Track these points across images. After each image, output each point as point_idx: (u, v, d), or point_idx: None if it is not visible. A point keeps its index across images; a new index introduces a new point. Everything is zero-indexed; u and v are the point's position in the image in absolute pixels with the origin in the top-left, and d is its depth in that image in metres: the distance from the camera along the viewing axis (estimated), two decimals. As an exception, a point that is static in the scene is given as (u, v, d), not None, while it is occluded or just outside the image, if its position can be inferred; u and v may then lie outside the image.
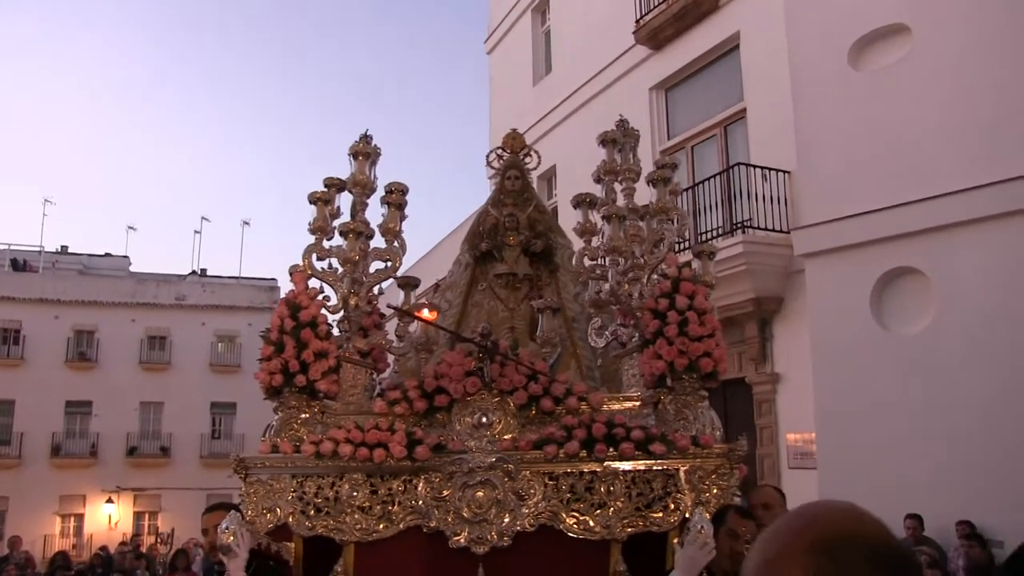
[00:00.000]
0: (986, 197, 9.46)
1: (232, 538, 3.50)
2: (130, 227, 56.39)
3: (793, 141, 11.59)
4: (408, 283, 4.43)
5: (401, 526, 3.77)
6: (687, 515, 3.56)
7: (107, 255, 42.72)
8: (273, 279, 36.91)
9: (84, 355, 34.05)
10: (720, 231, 12.40)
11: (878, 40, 10.89)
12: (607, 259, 4.30)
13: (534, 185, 16.33)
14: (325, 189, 4.34)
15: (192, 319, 35.17)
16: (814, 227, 11.21)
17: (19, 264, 37.72)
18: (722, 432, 3.80)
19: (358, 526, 3.77)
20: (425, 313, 4.39)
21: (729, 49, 13.67)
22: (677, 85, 14.95)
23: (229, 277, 39.93)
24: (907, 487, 9.56)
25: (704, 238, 12.66)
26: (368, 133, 4.41)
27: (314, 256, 4.28)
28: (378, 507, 3.79)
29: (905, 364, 10.01)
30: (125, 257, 42.65)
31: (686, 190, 13.40)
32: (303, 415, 3.99)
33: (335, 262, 4.30)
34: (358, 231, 4.23)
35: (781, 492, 4.97)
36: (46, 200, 43.24)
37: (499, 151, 5.00)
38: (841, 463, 10.44)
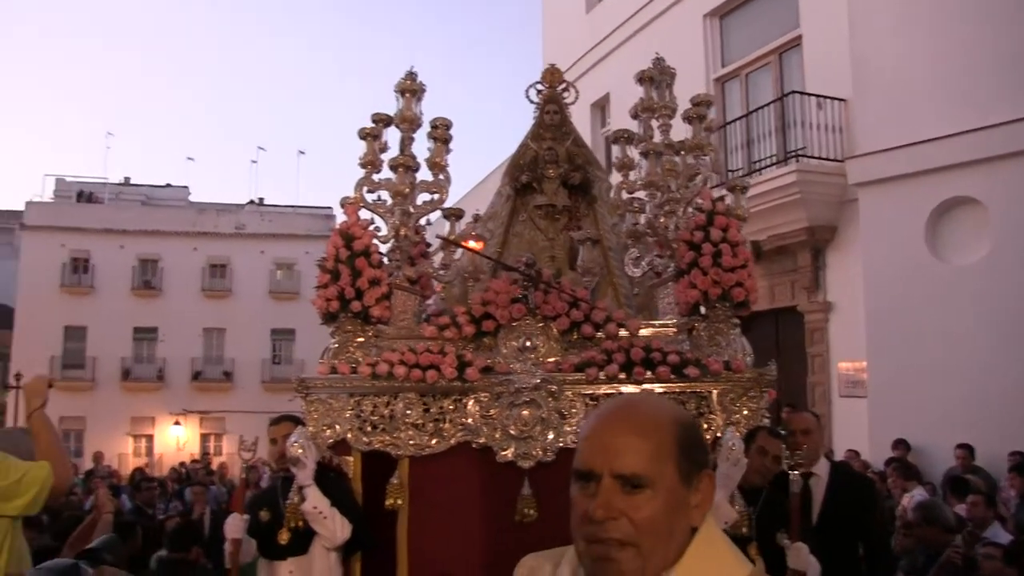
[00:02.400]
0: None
1: (301, 451, 3.77)
2: (189, 158, 56.93)
3: (849, 69, 11.45)
4: (453, 214, 4.61)
5: (452, 442, 4.01)
6: (719, 434, 3.77)
7: (168, 185, 43.24)
8: (328, 207, 37.00)
9: (149, 283, 35.06)
10: (774, 160, 12.36)
11: (938, -37, 10.68)
12: (644, 193, 4.45)
13: (587, 113, 16.36)
14: (373, 125, 4.48)
15: (251, 247, 35.84)
16: (869, 156, 11.15)
17: (85, 196, 38.53)
18: (752, 358, 3.97)
19: (412, 441, 4.02)
20: (472, 243, 4.57)
21: (785, -26, 13.43)
22: (732, 12, 14.72)
23: (286, 206, 40.32)
24: (958, 417, 9.65)
25: (757, 167, 12.64)
26: (413, 70, 4.53)
27: (364, 189, 4.45)
28: (430, 424, 4.03)
29: (959, 294, 10.02)
30: (185, 187, 43.16)
31: (740, 118, 13.35)
32: (358, 339, 4.19)
33: (384, 194, 4.48)
34: (407, 165, 4.39)
35: (817, 417, 5.18)
36: (108, 133, 43.74)
37: (538, 85, 5.10)
38: (892, 392, 10.54)
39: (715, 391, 3.90)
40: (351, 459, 4.07)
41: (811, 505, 4.40)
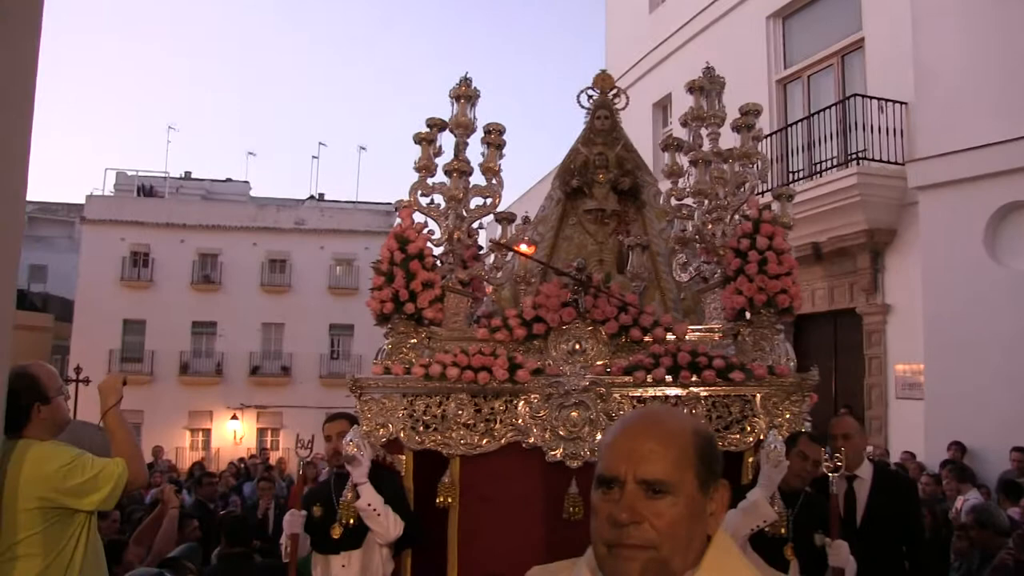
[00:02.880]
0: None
1: (356, 449, 3.88)
2: (250, 153, 57.42)
3: (911, 72, 11.38)
4: (505, 218, 4.69)
5: (502, 442, 4.13)
6: (761, 437, 3.84)
7: (228, 180, 43.66)
8: (389, 203, 36.81)
9: (208, 278, 35.22)
10: (834, 162, 12.29)
11: (1003, -37, 10.53)
12: (693, 200, 4.52)
13: (649, 113, 16.35)
14: (428, 129, 4.59)
15: (311, 243, 35.85)
16: (930, 159, 11.07)
17: (145, 190, 39.07)
18: (795, 363, 4.04)
19: (463, 441, 4.14)
20: (523, 247, 4.66)
21: (848, -24, 13.33)
22: (794, 13, 14.62)
23: (346, 201, 40.54)
24: (1014, 420, 9.56)
25: (818, 169, 12.57)
26: (468, 76, 4.64)
27: (419, 192, 4.56)
28: (481, 424, 4.15)
29: (1018, 298, 9.93)
30: (245, 182, 43.53)
31: (801, 120, 13.28)
32: (411, 340, 4.32)
33: (438, 198, 4.59)
34: (461, 170, 4.50)
35: (860, 422, 5.21)
36: (170, 127, 44.46)
37: (589, 91, 5.17)
38: (948, 395, 10.45)
39: (759, 395, 3.99)
40: (403, 457, 4.19)
41: (855, 507, 4.45)
